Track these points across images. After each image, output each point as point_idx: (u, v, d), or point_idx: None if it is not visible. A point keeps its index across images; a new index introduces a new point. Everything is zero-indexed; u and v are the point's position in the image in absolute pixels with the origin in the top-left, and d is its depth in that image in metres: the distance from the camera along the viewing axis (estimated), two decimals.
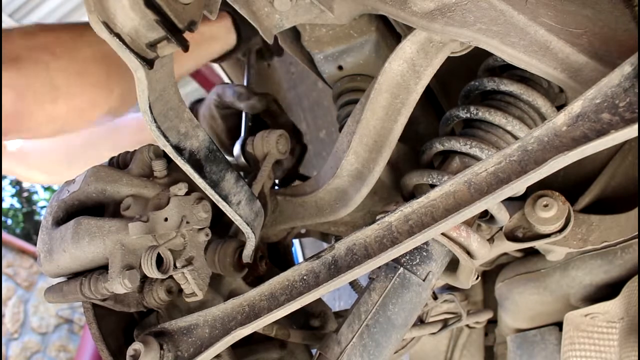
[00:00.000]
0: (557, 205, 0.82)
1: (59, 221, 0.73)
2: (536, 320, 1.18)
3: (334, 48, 0.95)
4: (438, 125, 0.94)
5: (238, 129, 1.22)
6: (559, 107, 0.87)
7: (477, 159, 0.83)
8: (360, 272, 0.63)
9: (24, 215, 8.67)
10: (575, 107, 0.53)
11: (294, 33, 0.95)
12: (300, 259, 1.84)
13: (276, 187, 0.99)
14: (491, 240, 0.92)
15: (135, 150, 0.80)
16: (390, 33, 0.95)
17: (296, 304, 0.64)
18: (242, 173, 0.94)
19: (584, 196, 1.00)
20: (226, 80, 1.70)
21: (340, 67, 0.98)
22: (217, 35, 1.24)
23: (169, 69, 0.61)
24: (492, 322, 1.33)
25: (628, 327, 1.01)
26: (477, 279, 0.79)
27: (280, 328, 0.82)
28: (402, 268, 0.74)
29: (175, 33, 0.56)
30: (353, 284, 1.00)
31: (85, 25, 0.98)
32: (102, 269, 0.71)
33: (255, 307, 0.67)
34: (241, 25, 1.27)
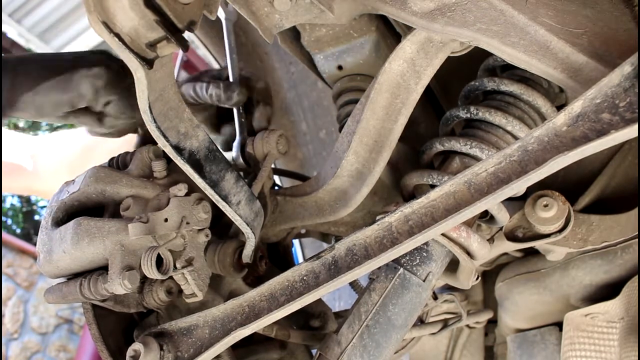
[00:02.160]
0: (557, 205, 0.82)
1: (59, 222, 0.73)
2: (536, 320, 1.18)
3: (334, 48, 0.95)
4: (438, 125, 0.94)
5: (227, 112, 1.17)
6: (559, 107, 0.87)
7: (477, 159, 0.83)
8: (360, 273, 0.63)
9: (24, 215, 8.66)
10: (576, 107, 0.53)
11: (294, 33, 0.95)
12: (300, 259, 1.84)
13: (276, 188, 0.99)
14: (491, 240, 0.92)
15: (135, 151, 0.80)
16: (390, 33, 0.95)
17: (296, 304, 0.64)
18: (242, 173, 0.94)
19: (584, 196, 1.00)
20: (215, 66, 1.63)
21: (340, 67, 0.98)
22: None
23: (169, 69, 0.61)
24: (492, 322, 1.33)
25: (628, 327, 1.01)
26: (477, 279, 0.79)
27: (281, 328, 0.82)
28: (402, 268, 0.74)
29: (175, 33, 0.56)
30: (353, 284, 1.00)
31: None
32: (102, 269, 0.71)
33: (255, 308, 0.67)
34: None
